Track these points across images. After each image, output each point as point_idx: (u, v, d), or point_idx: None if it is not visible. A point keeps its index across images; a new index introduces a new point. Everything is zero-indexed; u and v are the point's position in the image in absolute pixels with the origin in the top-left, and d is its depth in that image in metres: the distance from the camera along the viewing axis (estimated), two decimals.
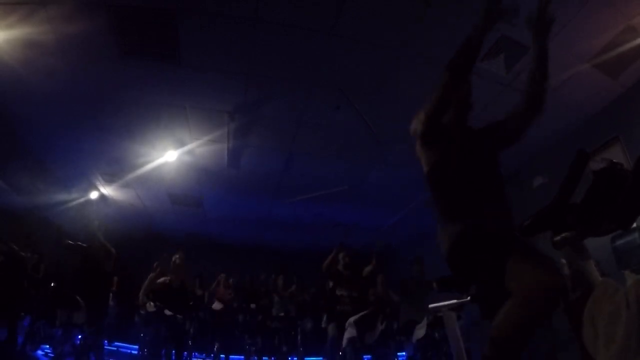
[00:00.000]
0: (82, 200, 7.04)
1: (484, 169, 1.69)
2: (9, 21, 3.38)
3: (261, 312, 6.72)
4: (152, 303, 4.70)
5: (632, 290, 1.05)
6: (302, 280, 7.39)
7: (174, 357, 4.72)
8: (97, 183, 6.71)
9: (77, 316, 4.08)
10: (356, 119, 4.65)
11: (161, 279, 4.98)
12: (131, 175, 6.15)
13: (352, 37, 3.57)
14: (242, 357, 6.64)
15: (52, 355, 4.36)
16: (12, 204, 6.79)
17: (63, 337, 4.14)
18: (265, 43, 3.65)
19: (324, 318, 4.98)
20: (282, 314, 6.49)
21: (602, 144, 4.13)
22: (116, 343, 6.64)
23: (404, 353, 5.46)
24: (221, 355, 6.35)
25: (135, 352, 5.87)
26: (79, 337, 4.26)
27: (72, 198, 7.05)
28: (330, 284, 4.87)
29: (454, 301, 2.28)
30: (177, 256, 4.95)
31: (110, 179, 6.49)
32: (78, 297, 4.13)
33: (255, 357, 6.47)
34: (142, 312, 5.08)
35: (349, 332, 4.23)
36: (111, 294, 6.50)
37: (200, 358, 6.40)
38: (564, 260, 1.58)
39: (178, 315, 4.73)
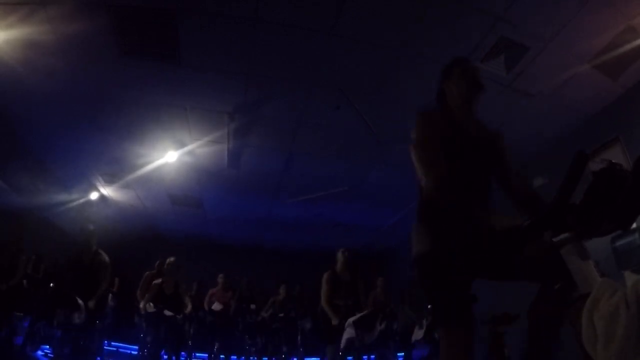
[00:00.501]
0: (82, 200, 7.04)
1: (476, 172, 1.64)
2: (9, 21, 3.38)
3: (261, 312, 6.71)
4: (151, 304, 4.71)
5: (632, 290, 1.04)
6: (303, 290, 7.36)
7: (174, 357, 4.73)
8: (97, 183, 6.71)
9: (77, 316, 4.08)
10: (356, 119, 4.65)
11: (156, 281, 5.00)
12: (131, 176, 6.16)
13: (352, 37, 3.57)
14: (242, 357, 6.65)
15: (52, 355, 4.36)
16: (12, 204, 6.80)
17: (63, 338, 4.14)
18: (265, 43, 3.65)
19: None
20: (282, 314, 6.48)
21: (602, 145, 4.13)
22: (116, 343, 6.65)
23: (403, 353, 5.47)
24: (221, 356, 6.35)
25: (135, 352, 5.88)
26: (79, 337, 4.26)
27: (72, 198, 7.05)
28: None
29: None
30: (170, 262, 4.97)
31: (110, 180, 6.49)
32: (78, 298, 4.12)
33: (255, 357, 6.47)
34: (141, 312, 5.09)
35: (348, 333, 4.22)
36: (111, 294, 6.51)
37: (200, 358, 6.41)
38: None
39: (178, 316, 4.74)
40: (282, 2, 3.25)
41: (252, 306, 6.76)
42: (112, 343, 6.54)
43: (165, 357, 4.74)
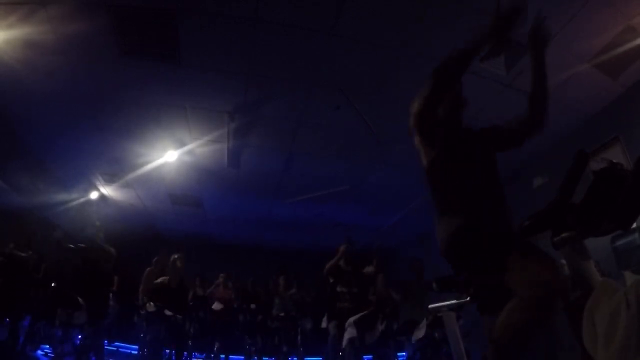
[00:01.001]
0: (82, 200, 7.04)
1: (481, 168, 1.69)
2: (9, 21, 3.37)
3: (261, 312, 6.72)
4: (152, 303, 4.71)
5: (632, 290, 1.04)
6: (303, 281, 7.39)
7: (174, 357, 4.72)
8: (97, 183, 6.72)
9: (78, 316, 4.09)
10: (356, 119, 4.65)
11: (160, 279, 4.98)
12: (131, 175, 6.16)
13: (352, 37, 3.57)
14: (242, 357, 6.65)
15: (52, 355, 4.36)
16: (12, 204, 6.79)
17: (63, 337, 4.14)
18: (265, 43, 3.65)
19: (324, 318, 4.97)
20: (282, 314, 6.48)
21: (602, 144, 4.13)
22: (116, 343, 6.64)
23: (404, 353, 5.46)
24: (221, 355, 6.35)
25: (135, 352, 5.87)
26: (79, 337, 4.27)
27: (72, 198, 7.05)
28: (331, 280, 4.87)
29: (454, 301, 2.28)
30: (177, 258, 4.95)
31: (110, 179, 6.49)
32: (78, 297, 4.13)
33: (255, 357, 6.47)
34: (142, 312, 5.09)
35: (349, 332, 4.22)
36: (111, 294, 6.50)
37: (200, 358, 6.41)
38: (563, 261, 1.58)
39: (178, 315, 4.74)
40: (282, 2, 3.25)
41: (252, 306, 6.77)
42: (112, 343, 6.54)
43: (166, 356, 4.75)
